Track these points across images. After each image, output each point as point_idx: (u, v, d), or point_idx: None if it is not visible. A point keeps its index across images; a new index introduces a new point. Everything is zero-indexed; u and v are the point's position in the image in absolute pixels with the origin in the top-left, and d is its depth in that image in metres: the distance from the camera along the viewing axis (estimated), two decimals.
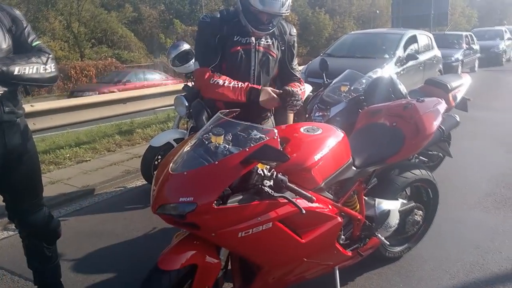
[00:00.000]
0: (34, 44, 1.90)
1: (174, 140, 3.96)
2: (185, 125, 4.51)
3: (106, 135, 6.26)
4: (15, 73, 1.74)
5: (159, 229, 3.24)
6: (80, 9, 27.31)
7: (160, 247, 1.86)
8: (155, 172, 3.98)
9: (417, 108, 2.49)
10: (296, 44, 2.43)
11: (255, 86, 2.21)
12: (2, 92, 1.76)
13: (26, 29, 1.90)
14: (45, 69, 1.85)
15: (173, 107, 4.29)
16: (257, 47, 2.26)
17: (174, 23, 31.14)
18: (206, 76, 2.22)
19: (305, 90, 2.46)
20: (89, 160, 5.21)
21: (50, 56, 1.90)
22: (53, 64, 1.90)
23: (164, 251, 1.77)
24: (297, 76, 2.44)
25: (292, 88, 2.21)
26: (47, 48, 1.95)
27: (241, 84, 2.19)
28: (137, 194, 4.19)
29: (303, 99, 2.49)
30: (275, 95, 2.17)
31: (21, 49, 1.86)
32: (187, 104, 3.85)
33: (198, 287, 1.77)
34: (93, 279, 2.63)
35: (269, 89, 2.19)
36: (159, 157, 4.06)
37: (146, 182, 4.18)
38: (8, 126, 1.85)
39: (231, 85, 2.18)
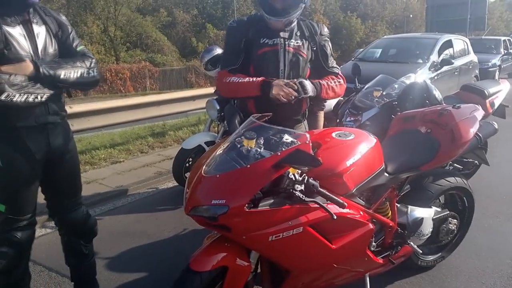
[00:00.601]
0: (78, 48, 1.99)
1: (205, 143, 4.02)
2: (216, 128, 4.57)
3: (139, 137, 6.43)
4: (62, 77, 1.82)
5: (189, 230, 3.30)
6: (117, 13, 28.22)
7: (190, 248, 1.90)
8: (186, 174, 4.12)
9: (453, 114, 2.43)
10: (329, 44, 2.39)
11: (268, 79, 2.16)
12: (48, 94, 1.84)
13: (71, 34, 1.99)
14: (89, 73, 1.94)
15: (204, 110, 4.35)
16: (286, 47, 2.24)
17: (206, 27, 31.61)
18: (222, 76, 2.27)
19: (342, 83, 2.36)
20: (123, 161, 5.35)
21: (93, 60, 1.99)
22: (96, 68, 1.98)
23: (195, 253, 1.80)
24: (335, 72, 2.37)
25: (308, 81, 2.17)
26: (90, 52, 2.04)
27: (255, 79, 2.17)
28: (169, 195, 4.27)
29: (340, 93, 2.38)
30: (286, 87, 2.11)
31: (67, 53, 1.95)
32: (218, 108, 3.90)
33: None
34: (126, 277, 2.70)
35: (282, 81, 2.14)
36: (190, 159, 4.13)
37: (178, 184, 4.26)
38: (52, 127, 1.93)
39: (245, 80, 2.18)
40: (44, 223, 3.41)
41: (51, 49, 1.88)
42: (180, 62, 28.78)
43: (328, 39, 2.40)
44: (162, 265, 2.81)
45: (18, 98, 1.71)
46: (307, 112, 2.48)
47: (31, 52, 1.80)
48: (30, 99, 1.76)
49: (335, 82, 2.33)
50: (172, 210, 3.83)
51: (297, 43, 2.27)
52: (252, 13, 2.77)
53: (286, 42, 2.24)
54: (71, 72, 1.85)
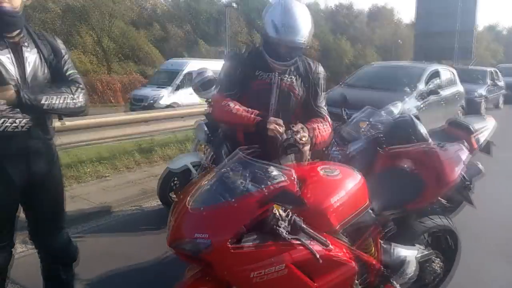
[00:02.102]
0: (68, 73, 1.97)
1: (191, 163, 4.01)
2: (203, 148, 4.57)
3: (126, 152, 6.36)
4: (42, 101, 1.79)
5: (171, 254, 3.24)
6: (111, 25, 28.26)
7: (172, 272, 1.89)
8: (171, 194, 4.08)
9: (439, 154, 2.46)
10: (322, 82, 2.39)
11: (261, 118, 2.14)
12: (28, 119, 1.81)
13: (64, 58, 1.97)
14: (73, 99, 1.90)
15: (192, 127, 4.36)
16: (279, 83, 2.26)
17: (198, 43, 31.86)
18: (219, 100, 2.28)
19: (329, 128, 2.34)
20: (108, 176, 5.32)
21: (80, 86, 1.96)
22: (82, 94, 1.95)
23: (177, 286, 1.77)
24: (322, 114, 2.37)
25: (297, 128, 2.11)
26: (80, 78, 2.02)
27: (251, 114, 2.16)
28: (152, 215, 4.23)
29: (328, 142, 2.37)
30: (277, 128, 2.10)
31: (57, 78, 1.93)
32: (206, 130, 3.91)
33: None
34: None
35: (273, 120, 2.12)
36: (176, 179, 4.11)
37: (162, 204, 4.22)
38: (34, 154, 1.90)
39: (241, 111, 2.17)
40: (24, 239, 3.33)
41: (40, 74, 1.86)
42: None
43: (323, 78, 2.40)
44: None
45: None
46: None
47: (17, 78, 1.78)
48: (7, 123, 1.73)
49: (324, 127, 2.30)
50: (154, 230, 3.78)
51: (290, 78, 2.28)
52: (247, 40, 2.79)
53: (280, 77, 2.26)
54: (53, 98, 1.82)
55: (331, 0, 67.18)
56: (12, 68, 1.76)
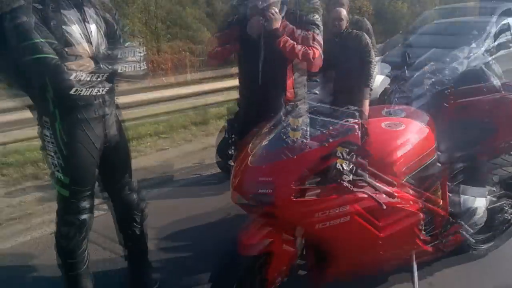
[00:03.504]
0: (126, 44, 2.08)
1: None
2: None
3: (182, 126, 6.55)
4: (119, 71, 1.94)
5: (234, 215, 3.34)
6: (157, 6, 28.70)
7: (235, 233, 1.91)
8: (229, 162, 4.16)
9: None
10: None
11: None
12: (108, 88, 1.95)
13: (117, 30, 2.08)
14: (140, 67, 2.03)
15: None
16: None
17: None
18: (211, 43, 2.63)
19: (308, 51, 2.38)
20: (168, 148, 5.50)
21: (143, 54, 2.07)
22: (145, 62, 2.08)
23: (242, 237, 1.83)
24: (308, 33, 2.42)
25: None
26: (138, 46, 2.12)
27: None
28: (212, 182, 4.33)
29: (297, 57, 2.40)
30: None
31: (115, 42, 2.04)
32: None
33: (273, 273, 1.83)
34: (174, 259, 2.81)
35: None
36: (233, 147, 4.17)
37: (220, 171, 4.33)
38: (108, 118, 2.06)
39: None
40: (98, 206, 3.58)
41: (103, 46, 1.98)
42: None
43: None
44: (208, 247, 2.87)
45: (84, 92, 1.82)
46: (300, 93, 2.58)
47: (87, 50, 1.90)
48: (94, 93, 1.88)
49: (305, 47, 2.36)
50: (216, 195, 3.89)
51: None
52: None
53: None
54: (126, 67, 1.96)
55: None
56: (82, 42, 1.88)
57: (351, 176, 1.67)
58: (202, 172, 4.62)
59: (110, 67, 1.90)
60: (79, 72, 1.80)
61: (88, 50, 1.90)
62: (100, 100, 1.97)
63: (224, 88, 6.85)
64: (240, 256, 1.77)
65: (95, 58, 1.88)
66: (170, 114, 6.71)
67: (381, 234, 1.83)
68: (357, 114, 1.81)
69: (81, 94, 1.81)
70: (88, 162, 1.99)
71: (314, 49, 2.37)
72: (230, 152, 4.17)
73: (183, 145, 5.68)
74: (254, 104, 2.56)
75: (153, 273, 2.50)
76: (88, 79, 1.83)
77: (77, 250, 2.06)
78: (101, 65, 1.87)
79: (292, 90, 2.51)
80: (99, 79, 1.88)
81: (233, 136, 4.04)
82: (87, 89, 1.83)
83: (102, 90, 1.92)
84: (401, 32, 7.81)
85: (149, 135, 5.99)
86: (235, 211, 3.27)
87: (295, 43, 2.34)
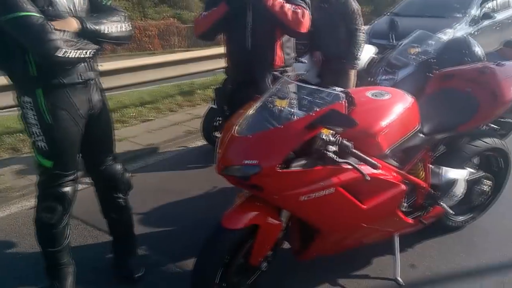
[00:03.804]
0: (105, 3, 1.97)
1: None
2: None
3: (168, 96, 6.46)
4: (103, 31, 1.83)
5: (219, 188, 3.35)
6: None
7: (221, 205, 1.93)
8: (215, 133, 4.13)
9: (496, 72, 2.30)
10: None
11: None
12: (94, 50, 1.85)
13: None
14: (125, 28, 1.94)
15: None
16: None
17: None
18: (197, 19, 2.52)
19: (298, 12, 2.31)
20: (153, 119, 5.43)
21: (125, 14, 1.98)
22: (129, 22, 1.98)
23: (227, 211, 1.84)
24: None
25: None
26: (119, 7, 2.02)
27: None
28: (199, 154, 4.33)
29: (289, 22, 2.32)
30: None
31: (96, 8, 1.94)
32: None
33: (259, 247, 1.84)
34: (159, 232, 2.81)
35: None
36: (219, 118, 4.14)
37: (207, 143, 4.31)
38: (92, 84, 1.97)
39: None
40: (79, 179, 3.53)
41: (84, 5, 1.88)
42: None
43: None
44: (194, 221, 2.89)
45: (72, 54, 1.73)
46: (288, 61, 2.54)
47: (70, 9, 1.80)
48: (81, 55, 1.78)
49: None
50: (202, 168, 3.89)
51: None
52: None
53: None
54: (110, 27, 1.86)
55: None
56: (64, 1, 1.77)
57: (336, 147, 1.67)
58: (188, 144, 4.60)
59: (95, 27, 1.79)
60: (66, 32, 1.70)
61: (72, 9, 1.80)
62: (85, 64, 1.88)
63: (212, 55, 6.70)
64: (225, 230, 1.77)
65: (79, 18, 1.77)
66: (156, 83, 6.58)
67: (364, 206, 1.86)
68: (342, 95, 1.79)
69: (69, 56, 1.70)
70: (73, 130, 1.91)
71: (302, 8, 2.32)
72: (215, 123, 4.15)
73: (169, 115, 5.61)
74: (242, 71, 2.52)
75: (138, 248, 2.47)
76: (75, 40, 1.73)
77: (58, 225, 1.99)
78: (87, 25, 1.76)
79: (282, 55, 2.47)
80: (85, 41, 1.78)
81: (220, 105, 3.99)
82: (75, 51, 1.73)
83: (90, 53, 1.82)
84: (386, 13, 7.71)
85: (134, 105, 5.89)
86: (222, 184, 3.28)
87: (283, 1, 2.28)
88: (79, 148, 2.01)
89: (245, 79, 2.48)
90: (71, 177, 2.00)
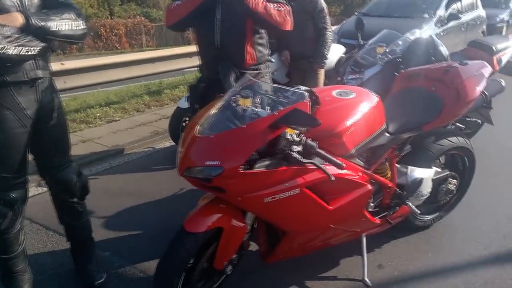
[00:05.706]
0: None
1: None
2: None
3: (135, 95, 6.30)
4: (52, 29, 1.73)
5: (186, 190, 3.28)
6: None
7: (187, 208, 1.87)
8: (182, 133, 4.03)
9: (459, 72, 2.33)
10: None
11: None
12: (40, 48, 1.74)
13: None
14: (77, 26, 1.84)
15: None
16: None
17: None
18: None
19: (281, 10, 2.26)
20: (119, 120, 5.27)
21: (78, 11, 1.87)
22: (83, 20, 1.87)
23: (190, 214, 1.78)
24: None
25: None
26: (74, 3, 1.91)
27: None
28: (165, 155, 4.23)
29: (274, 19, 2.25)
30: None
31: (49, 4, 1.83)
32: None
33: (224, 250, 1.79)
34: (122, 236, 2.70)
35: None
36: (187, 118, 4.05)
37: (174, 143, 4.21)
38: (41, 83, 1.86)
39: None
40: (39, 182, 3.38)
41: (35, 1, 1.77)
42: None
43: None
44: (159, 224, 2.81)
45: (12, 51, 1.63)
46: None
47: (17, 3, 1.69)
48: (23, 52, 1.68)
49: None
50: (168, 170, 3.79)
51: None
52: None
53: None
54: (60, 24, 1.76)
55: None
56: None
57: (300, 147, 1.63)
58: (155, 145, 4.49)
59: (42, 23, 1.69)
60: (6, 28, 1.59)
61: (19, 3, 1.69)
62: (32, 62, 1.78)
63: (181, 54, 6.57)
64: (188, 234, 1.71)
65: (25, 12, 1.66)
66: (123, 82, 6.40)
67: (330, 207, 1.83)
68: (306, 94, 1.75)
69: (8, 53, 1.60)
70: (18, 132, 1.81)
71: (283, 5, 2.26)
72: (183, 123, 4.05)
73: (135, 116, 5.46)
74: (212, 69, 2.43)
75: (100, 253, 2.40)
76: (17, 35, 1.63)
77: (9, 232, 1.89)
78: (32, 21, 1.66)
79: (253, 52, 2.39)
80: (29, 37, 1.68)
81: (192, 104, 3.89)
82: (16, 47, 1.63)
83: (34, 50, 1.71)
84: (356, 13, 7.81)
85: (99, 105, 5.71)
86: (189, 186, 3.19)
87: (264, 1, 2.21)
88: (27, 150, 1.90)
89: (215, 77, 2.39)
90: (20, 180, 1.89)
